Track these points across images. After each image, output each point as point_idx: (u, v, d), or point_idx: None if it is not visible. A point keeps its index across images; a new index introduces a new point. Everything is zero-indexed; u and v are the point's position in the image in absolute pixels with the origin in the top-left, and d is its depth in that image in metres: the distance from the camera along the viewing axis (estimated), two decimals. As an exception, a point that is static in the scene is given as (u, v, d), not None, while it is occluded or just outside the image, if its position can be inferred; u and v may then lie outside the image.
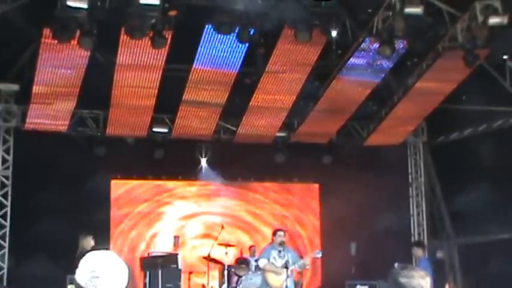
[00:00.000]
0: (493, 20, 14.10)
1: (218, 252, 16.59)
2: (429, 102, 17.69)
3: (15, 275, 16.46)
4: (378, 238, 17.63)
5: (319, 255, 13.41)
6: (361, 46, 15.92)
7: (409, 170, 20.06)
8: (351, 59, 16.37)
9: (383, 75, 17.05)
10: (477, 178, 17.07)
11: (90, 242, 12.66)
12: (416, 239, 19.51)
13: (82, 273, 3.22)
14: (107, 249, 3.42)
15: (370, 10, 15.40)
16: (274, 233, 13.03)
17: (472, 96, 16.91)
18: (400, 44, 15.48)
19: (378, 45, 15.29)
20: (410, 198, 19.93)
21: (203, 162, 19.00)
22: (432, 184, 19.91)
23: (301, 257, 13.50)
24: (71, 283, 13.83)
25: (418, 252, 15.30)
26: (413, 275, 3.82)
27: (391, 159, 18.78)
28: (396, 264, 4.07)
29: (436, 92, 17.13)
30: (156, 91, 16.56)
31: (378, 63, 16.46)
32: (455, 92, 16.81)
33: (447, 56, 15.75)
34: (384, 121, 18.59)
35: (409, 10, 14.06)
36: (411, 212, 19.84)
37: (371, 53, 15.96)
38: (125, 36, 14.61)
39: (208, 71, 16.33)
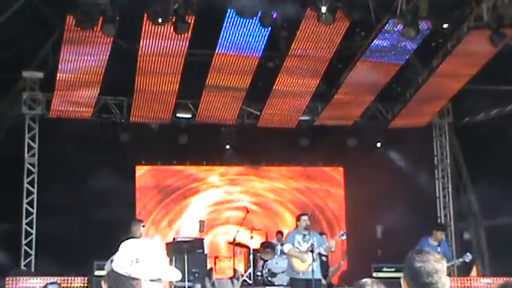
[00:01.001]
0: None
1: (244, 237, 16.63)
2: (454, 83, 17.52)
3: (42, 262, 16.58)
4: (404, 221, 17.54)
5: (344, 237, 13.36)
6: (385, 28, 15.79)
7: (435, 152, 19.93)
8: (374, 41, 16.25)
9: (407, 56, 16.92)
10: (503, 159, 16.93)
11: (139, 229, 12.64)
12: (442, 221, 19.42)
13: (121, 259, 3.16)
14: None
15: (393, -9, 15.25)
16: (298, 218, 13.00)
17: (498, 76, 16.73)
18: (424, 25, 15.33)
19: (402, 27, 15.14)
20: (436, 180, 19.81)
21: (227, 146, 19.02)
22: (458, 166, 19.78)
23: (327, 240, 13.45)
24: (99, 269, 13.92)
25: (438, 235, 15.21)
26: (428, 258, 3.77)
27: (416, 141, 18.69)
28: None
29: (462, 73, 16.97)
30: (180, 77, 16.56)
31: (402, 44, 16.33)
32: (481, 72, 16.62)
33: (473, 36, 15.57)
34: (409, 103, 18.47)
35: (433, -10, 13.91)
36: (437, 194, 19.73)
37: (395, 35, 15.82)
38: (148, 22, 14.61)
39: (231, 55, 16.29)
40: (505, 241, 16.94)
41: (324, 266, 14.52)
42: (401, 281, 3.87)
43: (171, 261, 15.14)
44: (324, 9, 14.21)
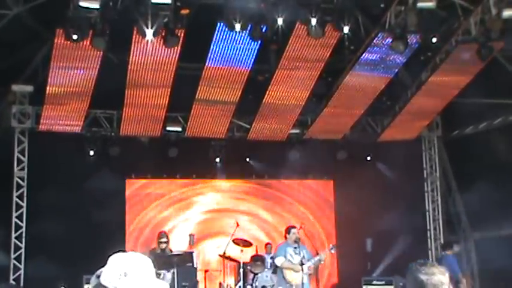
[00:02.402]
0: (507, 13, 14.01)
1: (234, 250, 16.59)
2: (443, 96, 17.61)
3: (31, 275, 16.52)
4: (394, 234, 17.58)
5: (333, 251, 13.43)
6: (374, 41, 15.86)
7: (424, 165, 19.98)
8: (363, 55, 16.32)
9: (396, 70, 16.99)
10: (492, 172, 16.98)
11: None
12: (432, 233, 19.45)
13: (109, 273, 3.17)
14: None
15: (382, 5, 15.33)
16: (287, 231, 13.00)
17: (486, 90, 16.81)
18: (413, 39, 15.42)
19: (390, 40, 15.24)
20: (426, 193, 19.85)
21: (217, 160, 19.03)
22: (447, 179, 19.83)
23: (317, 253, 13.46)
24: (87, 283, 13.88)
25: (447, 252, 15.26)
26: (433, 271, 3.74)
27: (405, 154, 18.72)
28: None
29: (450, 86, 17.06)
30: (169, 90, 16.57)
31: (391, 58, 16.40)
32: (470, 85, 16.70)
33: (461, 50, 15.67)
34: (398, 116, 18.53)
35: (421, 4, 13.99)
36: (426, 207, 19.76)
37: (384, 48, 15.90)
38: (137, 36, 14.62)
39: (221, 69, 16.33)
40: (494, 253, 16.96)
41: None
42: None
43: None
44: (313, 21, 14.27)
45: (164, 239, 14.32)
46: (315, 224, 19.54)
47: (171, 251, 14.59)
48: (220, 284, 16.13)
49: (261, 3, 14.03)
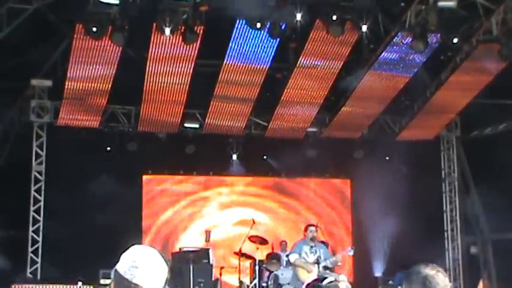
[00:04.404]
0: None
1: (249, 247, 16.58)
2: (463, 97, 17.51)
3: (48, 269, 16.59)
4: (410, 234, 17.50)
5: (351, 253, 13.33)
6: (394, 40, 15.79)
7: (442, 166, 19.88)
8: (383, 53, 16.26)
9: (416, 69, 16.90)
10: (511, 173, 16.86)
11: None
12: (449, 234, 19.36)
13: (123, 262, 3.33)
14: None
15: (402, 4, 15.27)
16: (306, 229, 12.98)
17: (506, 90, 16.69)
18: (433, 38, 15.33)
19: (410, 40, 15.16)
20: (443, 194, 19.75)
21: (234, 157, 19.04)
22: (465, 179, 19.71)
23: (333, 254, 13.42)
24: (104, 277, 13.92)
25: None
26: (439, 270, 3.77)
27: (423, 154, 18.63)
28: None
29: (470, 86, 16.95)
30: (188, 87, 16.58)
31: (411, 57, 16.33)
32: (490, 86, 16.59)
33: (482, 50, 15.55)
34: (417, 116, 18.44)
35: (442, 3, 13.92)
36: (444, 208, 19.67)
37: (403, 47, 15.83)
38: (157, 32, 14.64)
39: (240, 66, 16.32)
40: (512, 256, 16.87)
41: None
42: None
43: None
44: (333, 19, 14.25)
45: None
46: (331, 223, 19.51)
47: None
48: (240, 282, 16.10)
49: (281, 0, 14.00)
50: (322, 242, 14.32)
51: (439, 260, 18.83)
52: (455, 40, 15.40)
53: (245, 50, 15.92)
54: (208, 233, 17.56)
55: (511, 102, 17.57)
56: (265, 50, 15.95)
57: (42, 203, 17.21)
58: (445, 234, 19.47)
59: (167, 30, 14.17)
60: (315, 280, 3.99)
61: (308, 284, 3.99)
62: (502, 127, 18.57)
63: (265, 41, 15.65)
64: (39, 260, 16.97)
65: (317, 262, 12.46)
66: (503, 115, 18.12)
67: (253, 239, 16.66)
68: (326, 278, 3.93)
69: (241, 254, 16.24)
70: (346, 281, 3.94)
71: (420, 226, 17.76)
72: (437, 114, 18.33)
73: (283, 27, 14.93)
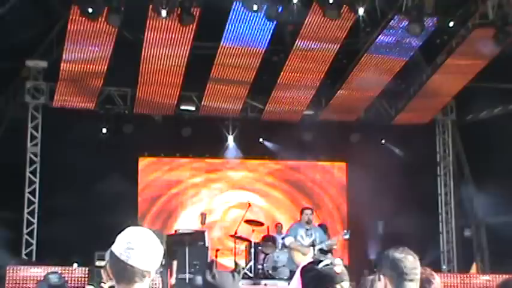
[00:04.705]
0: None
1: (245, 230, 16.62)
2: (458, 81, 17.52)
3: (44, 250, 16.63)
4: (405, 217, 17.54)
5: (347, 236, 13.35)
6: (390, 24, 15.77)
7: (437, 149, 19.93)
8: (379, 37, 16.24)
9: (412, 53, 16.89)
10: (506, 157, 16.90)
11: None
12: (443, 217, 19.44)
13: (119, 244, 3.34)
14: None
15: (399, -13, 15.23)
16: (301, 211, 13.02)
17: (502, 74, 16.70)
18: (429, 22, 15.31)
19: (407, 23, 15.14)
20: (438, 177, 19.81)
21: (230, 140, 19.04)
22: (460, 163, 19.76)
23: (329, 237, 13.46)
24: (99, 259, 13.95)
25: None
26: (408, 253, 3.93)
27: (419, 137, 18.66)
28: None
29: (466, 70, 16.96)
30: (184, 69, 16.55)
31: (407, 41, 16.30)
32: (485, 70, 16.60)
33: (477, 34, 15.55)
34: (413, 99, 18.46)
35: (439, -13, 13.89)
36: (439, 191, 19.73)
37: (400, 31, 15.80)
38: (153, 14, 14.60)
39: (236, 48, 16.28)
40: (506, 239, 16.92)
41: None
42: (380, 278, 3.94)
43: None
44: (329, 2, 14.22)
45: None
46: (326, 206, 19.57)
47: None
48: (236, 264, 16.15)
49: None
50: (320, 225, 14.38)
51: (433, 243, 18.93)
52: (451, 24, 15.39)
53: (242, 33, 15.88)
54: (204, 216, 17.59)
55: (506, 86, 17.59)
56: (261, 32, 15.91)
57: (37, 185, 17.23)
58: (440, 217, 19.56)
59: (163, 12, 14.13)
60: (311, 263, 4.01)
61: (304, 267, 4.01)
62: (497, 111, 18.60)
63: (261, 23, 15.60)
64: (34, 241, 17.01)
65: (312, 245, 12.51)
66: (499, 99, 18.14)
67: (248, 221, 16.70)
68: (322, 261, 3.95)
69: (236, 237, 16.29)
70: (341, 265, 3.96)
71: (415, 209, 17.78)
72: (432, 97, 18.34)
73: (280, 9, 14.89)
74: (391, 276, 3.92)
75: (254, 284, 15.13)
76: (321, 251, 12.81)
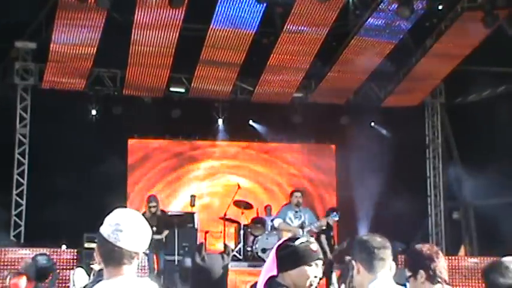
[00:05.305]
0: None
1: (234, 212, 16.68)
2: (447, 63, 17.56)
3: (32, 233, 16.61)
4: (394, 199, 17.62)
5: (337, 218, 13.42)
6: (380, 6, 15.77)
7: (426, 132, 19.98)
8: (369, 20, 16.24)
9: (401, 36, 16.91)
10: (494, 140, 16.99)
11: None
12: (432, 200, 19.53)
13: (107, 225, 3.35)
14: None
15: (389, -30, 15.22)
16: (291, 194, 13.08)
17: (490, 57, 16.75)
18: (418, 5, 15.33)
19: (396, 6, 15.15)
20: (427, 160, 19.88)
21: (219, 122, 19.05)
22: (449, 146, 19.83)
23: (318, 218, 13.53)
24: (88, 241, 13.97)
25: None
26: (376, 236, 4.15)
27: (408, 120, 18.72)
28: None
29: (455, 53, 17.00)
30: (173, 51, 16.52)
31: (396, 24, 16.32)
32: (474, 53, 16.64)
33: (466, 17, 15.58)
34: (402, 82, 18.50)
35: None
36: (428, 174, 19.81)
37: (389, 14, 15.82)
38: (142, -5, 14.56)
39: (226, 30, 16.24)
40: (493, 222, 17.04)
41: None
42: (353, 264, 4.04)
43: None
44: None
45: (153, 203, 14.03)
46: (316, 188, 19.63)
47: (164, 211, 14.54)
48: (225, 246, 16.19)
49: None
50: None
51: (422, 225, 19.04)
52: (440, 7, 15.40)
53: (231, 15, 15.84)
54: (193, 198, 17.66)
55: (495, 69, 17.63)
56: (251, 15, 15.88)
57: (26, 166, 17.20)
58: (428, 199, 19.64)
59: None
60: (286, 241, 4.02)
61: (279, 245, 4.01)
62: (485, 94, 18.65)
63: (251, 5, 15.57)
64: (22, 223, 17.00)
65: (301, 227, 12.58)
66: (487, 82, 18.17)
67: (238, 203, 16.76)
68: (298, 238, 3.97)
69: (226, 219, 16.35)
70: (316, 243, 4.00)
71: (404, 192, 17.85)
72: (422, 80, 18.39)
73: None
74: (361, 259, 4.01)
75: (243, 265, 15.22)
76: (325, 231, 12.94)
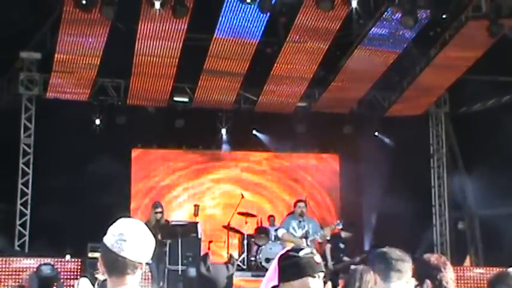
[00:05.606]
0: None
1: (238, 222, 16.65)
2: (452, 73, 17.53)
3: (36, 242, 16.60)
4: (399, 209, 17.59)
5: (340, 226, 13.38)
6: (383, 16, 15.77)
7: (431, 141, 19.95)
8: (372, 29, 16.24)
9: (405, 45, 16.90)
10: (499, 149, 16.94)
11: None
12: (437, 209, 19.48)
13: (111, 235, 3.34)
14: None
15: (393, -21, 15.22)
16: (295, 204, 13.04)
17: (495, 67, 16.73)
18: (422, 14, 15.32)
19: (400, 15, 15.15)
20: (432, 170, 19.83)
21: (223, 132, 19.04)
22: (454, 155, 19.79)
23: (322, 228, 13.48)
24: (92, 251, 13.95)
25: None
26: (396, 249, 4.23)
27: (412, 130, 18.67)
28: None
29: (459, 63, 16.98)
30: (177, 60, 16.53)
31: (400, 33, 16.31)
32: (479, 62, 16.62)
33: (471, 26, 15.56)
34: (406, 91, 18.48)
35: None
36: (432, 183, 19.75)
37: (393, 23, 15.82)
38: (146, 5, 14.57)
39: (230, 40, 16.26)
40: (499, 231, 16.99)
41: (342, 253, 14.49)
42: (371, 275, 4.04)
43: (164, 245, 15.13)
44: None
45: (159, 209, 14.00)
46: (319, 197, 19.59)
47: (167, 221, 14.52)
48: (230, 255, 16.17)
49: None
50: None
51: (427, 235, 18.98)
52: (444, 16, 15.40)
53: (235, 24, 15.86)
54: (196, 207, 17.62)
55: (499, 78, 17.61)
56: (255, 24, 15.89)
57: (30, 176, 17.20)
58: (433, 209, 19.58)
59: (157, 4, 14.12)
60: (289, 251, 3.97)
61: (281, 255, 3.97)
62: (490, 103, 18.62)
63: (255, 15, 15.59)
64: (27, 233, 16.98)
65: (305, 236, 12.52)
66: (492, 91, 18.16)
67: (241, 213, 16.73)
68: (302, 249, 3.93)
69: (229, 228, 16.32)
70: (319, 255, 3.96)
71: (408, 201, 17.83)
72: (426, 90, 18.36)
73: (273, 1, 14.88)
74: (379, 269, 3.98)
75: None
76: (336, 242, 12.94)
